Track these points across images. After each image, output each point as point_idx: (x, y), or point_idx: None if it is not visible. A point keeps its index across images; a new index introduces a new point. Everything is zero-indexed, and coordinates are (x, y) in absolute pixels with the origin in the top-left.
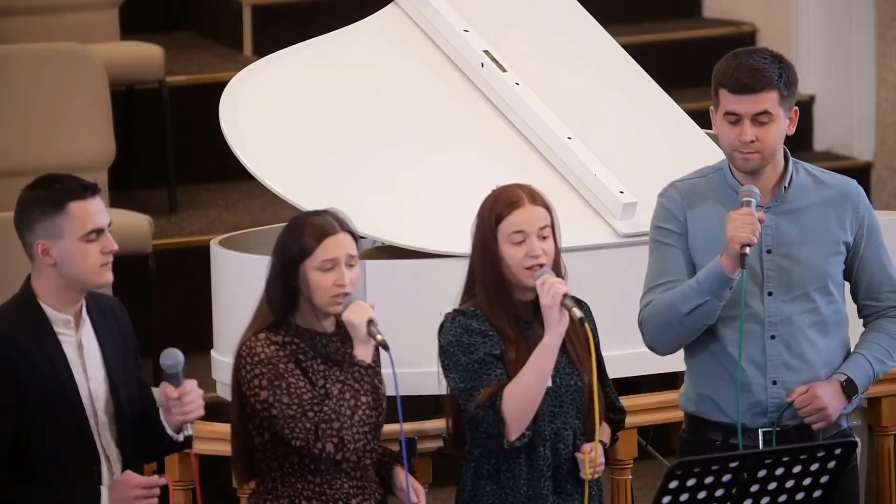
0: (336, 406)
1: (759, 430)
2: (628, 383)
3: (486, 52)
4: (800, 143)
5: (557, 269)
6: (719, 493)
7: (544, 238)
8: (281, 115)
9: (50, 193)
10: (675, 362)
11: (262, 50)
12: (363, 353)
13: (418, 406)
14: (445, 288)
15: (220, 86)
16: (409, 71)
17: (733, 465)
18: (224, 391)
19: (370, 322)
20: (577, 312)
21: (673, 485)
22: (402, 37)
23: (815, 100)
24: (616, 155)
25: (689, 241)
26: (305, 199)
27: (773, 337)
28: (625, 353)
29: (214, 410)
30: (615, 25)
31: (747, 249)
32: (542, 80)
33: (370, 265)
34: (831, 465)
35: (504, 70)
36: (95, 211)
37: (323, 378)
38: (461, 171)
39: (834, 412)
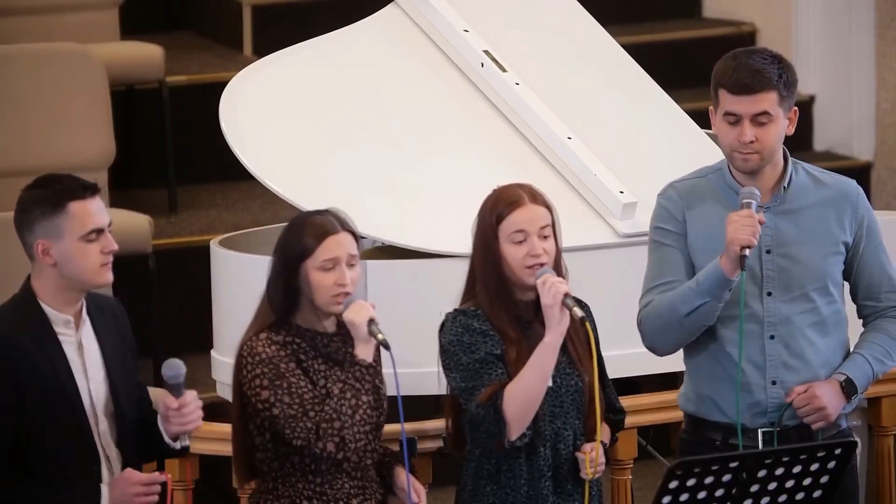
0: (337, 405)
1: (759, 431)
2: (628, 383)
3: (486, 52)
4: (800, 143)
5: (558, 268)
6: (719, 493)
7: (545, 237)
8: (281, 115)
9: (50, 193)
10: (675, 362)
11: (262, 50)
12: (364, 352)
13: (418, 406)
14: (445, 288)
15: (220, 86)
16: (409, 71)
17: (733, 465)
18: (224, 391)
19: (371, 321)
20: (578, 312)
21: (673, 485)
22: (402, 37)
23: (815, 100)
24: (616, 155)
25: (688, 242)
26: (305, 199)
27: (772, 337)
28: (625, 353)
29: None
30: (615, 25)
31: (747, 251)
32: (542, 80)
33: (370, 265)
34: (831, 465)
35: (504, 70)
36: (95, 211)
37: (324, 378)
38: (461, 171)
39: (833, 412)
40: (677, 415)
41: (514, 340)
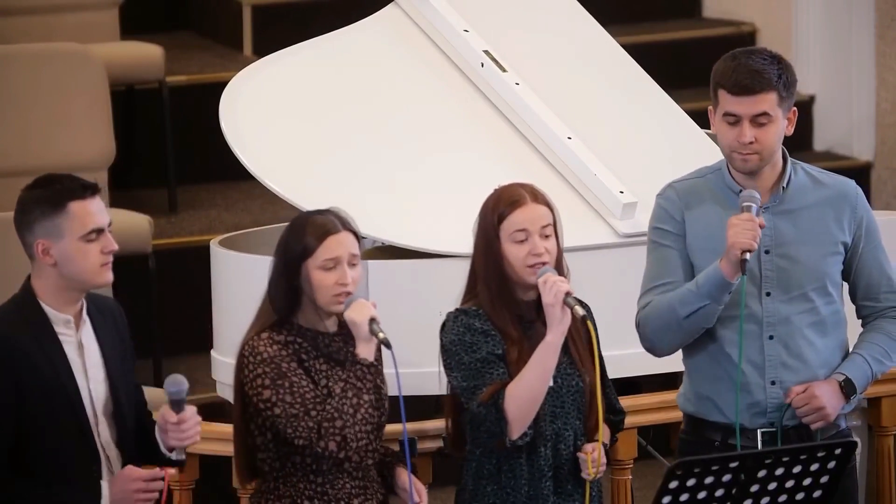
0: (338, 404)
1: (758, 431)
2: (628, 383)
3: (486, 52)
4: (800, 144)
5: (560, 267)
6: (719, 493)
7: (546, 237)
8: (281, 115)
9: (50, 193)
10: (674, 362)
11: (262, 50)
12: (365, 351)
13: (418, 406)
14: (445, 288)
15: (220, 86)
16: (409, 71)
17: (733, 465)
18: (224, 391)
19: (372, 320)
20: (580, 310)
21: (673, 485)
22: (402, 37)
23: (815, 100)
24: (616, 155)
25: (687, 242)
26: (305, 199)
27: (771, 337)
28: (625, 353)
29: (214, 410)
30: (615, 25)
31: (748, 255)
32: (542, 80)
33: (371, 265)
34: (831, 465)
35: (504, 70)
36: (95, 211)
37: (325, 378)
38: (461, 171)
39: (832, 412)
40: (677, 415)
41: (515, 340)
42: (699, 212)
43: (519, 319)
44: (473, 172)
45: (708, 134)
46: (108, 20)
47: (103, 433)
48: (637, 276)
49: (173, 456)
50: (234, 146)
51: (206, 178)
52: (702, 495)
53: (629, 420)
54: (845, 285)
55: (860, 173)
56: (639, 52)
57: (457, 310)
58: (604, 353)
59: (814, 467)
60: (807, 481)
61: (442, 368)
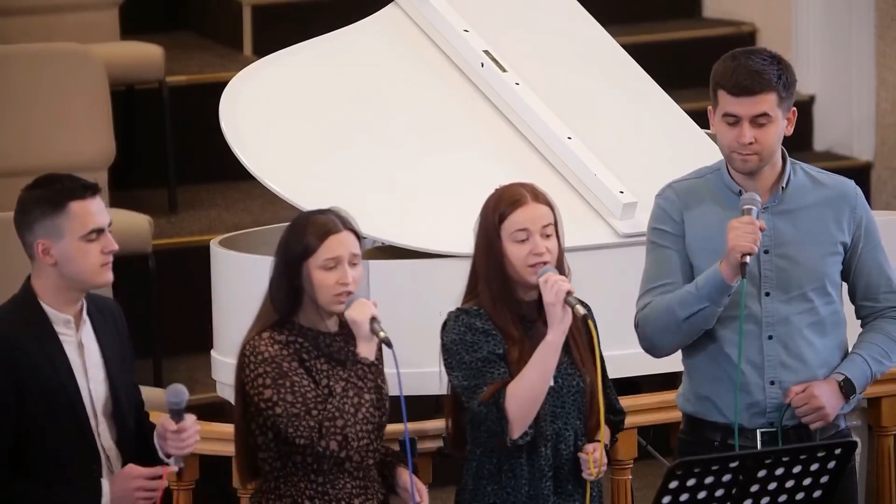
0: (340, 404)
1: (758, 431)
2: (628, 383)
3: (486, 52)
4: (800, 144)
5: (561, 267)
6: (719, 493)
7: (547, 236)
8: (281, 115)
9: (50, 193)
10: (674, 362)
11: (262, 50)
12: (366, 350)
13: (419, 406)
14: (445, 288)
15: (220, 86)
16: (409, 71)
17: (733, 465)
18: (224, 391)
19: (373, 319)
20: (581, 309)
21: (673, 485)
22: (402, 37)
23: (815, 100)
24: (616, 155)
25: (686, 242)
26: (305, 199)
27: (770, 337)
28: (625, 353)
29: (214, 410)
30: (615, 25)
31: (748, 259)
32: (542, 80)
33: (372, 265)
34: (831, 465)
35: (504, 70)
36: (96, 211)
37: (326, 377)
38: (461, 171)
39: (831, 412)
40: (677, 415)
41: (516, 340)
42: (698, 212)
43: (520, 319)
44: (473, 172)
45: (708, 134)
46: (108, 20)
47: (103, 433)
48: (637, 277)
49: (171, 462)
50: (234, 146)
51: (206, 178)
52: (702, 495)
53: (629, 420)
54: (844, 285)
55: (860, 173)
56: (639, 52)
57: (458, 309)
58: (604, 353)
59: (814, 467)
60: (807, 481)
61: (442, 368)
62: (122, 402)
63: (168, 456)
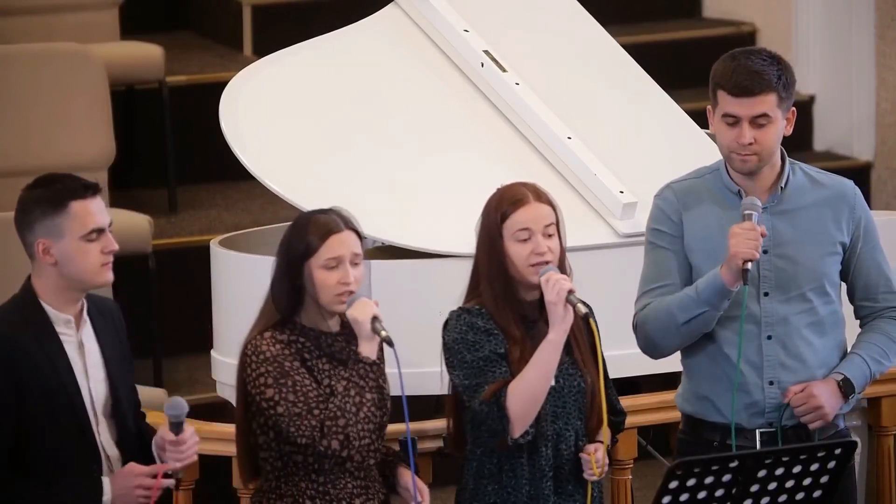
0: (341, 403)
1: (757, 431)
2: (628, 383)
3: (486, 52)
4: (800, 144)
5: (562, 267)
6: (719, 493)
7: (549, 236)
8: (281, 115)
9: (51, 193)
10: (674, 362)
11: (262, 50)
12: (368, 349)
13: (419, 406)
14: (446, 288)
15: (220, 86)
16: (409, 71)
17: (733, 465)
18: (224, 391)
19: (374, 318)
20: (582, 308)
21: (673, 485)
22: (402, 37)
23: (815, 100)
24: (616, 155)
25: (685, 242)
26: (305, 199)
27: (769, 337)
28: (625, 353)
29: (214, 410)
30: (615, 25)
31: (749, 265)
32: (542, 80)
33: (373, 265)
34: (831, 465)
35: (504, 70)
36: (96, 211)
37: (328, 377)
38: (461, 171)
39: (830, 411)
40: (677, 415)
41: (518, 340)
42: (697, 212)
43: (522, 319)
44: (473, 172)
45: (708, 134)
46: (108, 20)
47: (103, 433)
48: (637, 277)
49: (168, 471)
50: (234, 146)
51: (206, 178)
52: (702, 495)
53: (629, 420)
54: (843, 286)
55: (860, 173)
56: (639, 52)
57: (459, 308)
58: (604, 353)
59: (814, 467)
60: (807, 481)
61: (443, 368)
62: (123, 403)
63: (167, 475)
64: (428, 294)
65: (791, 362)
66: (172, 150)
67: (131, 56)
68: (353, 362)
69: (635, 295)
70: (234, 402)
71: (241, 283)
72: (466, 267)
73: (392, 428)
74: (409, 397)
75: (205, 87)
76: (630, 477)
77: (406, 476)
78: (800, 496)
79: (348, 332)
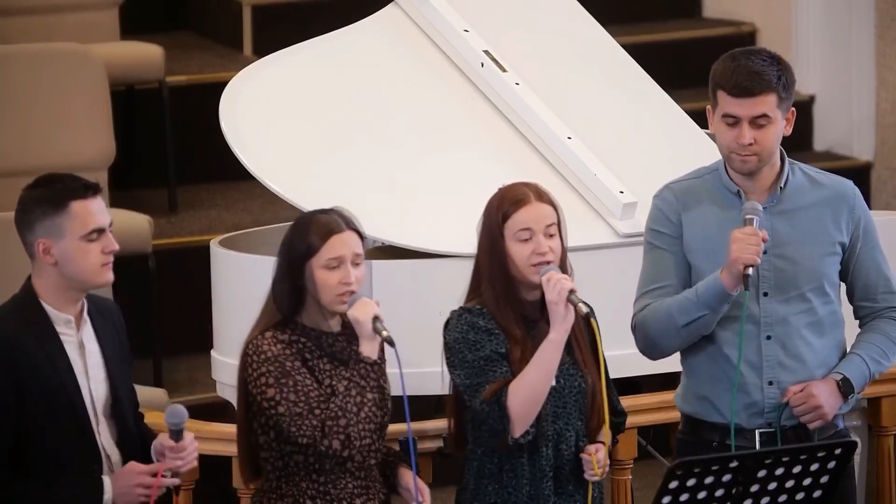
0: (342, 403)
1: (756, 431)
2: (628, 383)
3: (486, 52)
4: (800, 144)
5: (564, 267)
6: (719, 493)
7: (551, 236)
8: (281, 115)
9: (51, 193)
10: (674, 362)
11: (262, 50)
12: (369, 349)
13: (419, 406)
14: (446, 288)
15: (220, 86)
16: (409, 71)
17: (733, 465)
18: (224, 391)
19: (375, 318)
20: (584, 307)
21: (673, 485)
22: (402, 37)
23: (815, 100)
24: (616, 155)
25: (684, 243)
26: (305, 199)
27: (768, 337)
28: (625, 353)
29: (214, 410)
30: (615, 25)
31: (750, 270)
32: (542, 80)
33: (374, 265)
34: (831, 465)
35: (504, 70)
36: (96, 210)
37: (329, 377)
38: (461, 171)
39: (830, 411)
40: (676, 415)
41: (519, 340)
42: (697, 213)
43: (523, 319)
44: (473, 172)
45: (708, 134)
46: (108, 20)
47: (104, 433)
48: (637, 277)
49: (168, 476)
50: (234, 146)
51: (206, 178)
52: (702, 495)
53: (629, 420)
54: (843, 286)
55: (860, 173)
56: (639, 52)
57: (461, 308)
58: (605, 353)
59: (814, 467)
60: (807, 481)
61: (444, 367)
62: (123, 403)
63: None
64: (428, 294)
65: (790, 362)
66: (172, 150)
67: (131, 56)
68: (355, 362)
69: (635, 295)
70: (234, 402)
71: (241, 283)
72: (467, 267)
73: (393, 428)
74: (410, 397)
75: (205, 87)
76: (630, 477)
77: (407, 476)
78: (800, 496)
79: (349, 332)
